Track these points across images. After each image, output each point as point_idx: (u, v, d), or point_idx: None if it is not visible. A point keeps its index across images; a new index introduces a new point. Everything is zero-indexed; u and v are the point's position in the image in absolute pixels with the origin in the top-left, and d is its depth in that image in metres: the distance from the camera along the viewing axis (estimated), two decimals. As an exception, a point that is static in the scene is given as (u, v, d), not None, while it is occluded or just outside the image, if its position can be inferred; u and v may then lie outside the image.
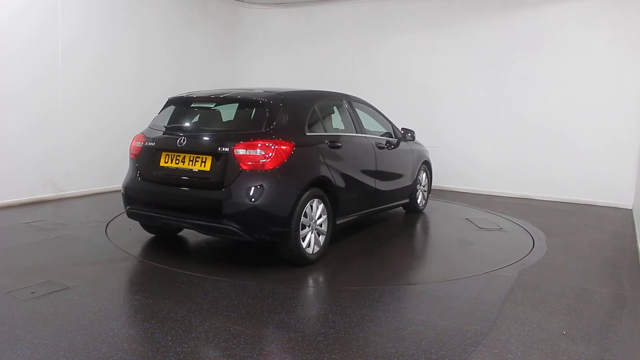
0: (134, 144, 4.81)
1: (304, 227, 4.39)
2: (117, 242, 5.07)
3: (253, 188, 4.11)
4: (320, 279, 4.30)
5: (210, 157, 4.25)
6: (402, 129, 6.38)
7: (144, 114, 6.73)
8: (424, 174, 6.91)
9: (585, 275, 4.53)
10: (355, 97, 6.02)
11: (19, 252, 4.67)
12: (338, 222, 4.91)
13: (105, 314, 3.36)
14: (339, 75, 9.46)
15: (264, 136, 4.23)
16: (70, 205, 6.74)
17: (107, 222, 5.75)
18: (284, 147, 4.23)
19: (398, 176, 6.13)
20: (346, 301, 3.69)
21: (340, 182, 4.84)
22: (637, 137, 7.46)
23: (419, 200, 6.77)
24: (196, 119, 4.86)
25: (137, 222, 5.21)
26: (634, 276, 4.50)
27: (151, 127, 4.90)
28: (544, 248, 5.31)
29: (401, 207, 6.73)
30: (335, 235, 5.44)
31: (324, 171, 4.62)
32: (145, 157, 4.63)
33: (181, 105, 4.93)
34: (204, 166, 4.27)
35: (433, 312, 3.56)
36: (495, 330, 3.26)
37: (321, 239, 4.64)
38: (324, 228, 4.66)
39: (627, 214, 7.23)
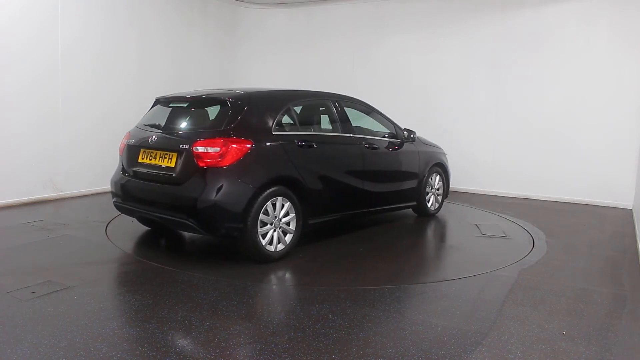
0: (122, 141, 5.11)
1: (265, 224, 4.45)
2: (117, 242, 5.07)
3: (207, 184, 4.25)
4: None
5: (175, 154, 4.45)
6: (404, 129, 6.28)
7: (144, 114, 6.73)
8: (438, 176, 6.69)
9: (585, 275, 4.53)
10: (350, 97, 5.96)
11: (19, 252, 4.67)
12: (311, 222, 4.91)
13: (105, 314, 3.36)
14: (339, 75, 9.45)
15: (223, 134, 4.37)
16: (70, 205, 6.75)
17: (107, 222, 5.76)
18: (239, 146, 4.34)
19: (398, 178, 6.07)
20: (346, 301, 3.69)
21: (312, 182, 4.85)
22: (637, 137, 7.46)
23: (429, 204, 6.58)
24: (171, 117, 5.01)
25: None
26: (634, 276, 4.50)
27: (137, 126, 5.15)
28: (544, 248, 5.31)
29: (411, 210, 6.66)
30: (323, 235, 5.48)
31: (290, 170, 4.65)
32: (128, 154, 4.92)
33: (163, 105, 5.17)
34: (170, 163, 4.48)
35: (433, 312, 3.56)
36: (495, 330, 3.26)
37: (288, 237, 4.67)
38: (292, 227, 4.69)
39: (627, 214, 7.23)
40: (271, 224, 4.51)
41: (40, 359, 2.73)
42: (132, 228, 5.60)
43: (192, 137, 4.48)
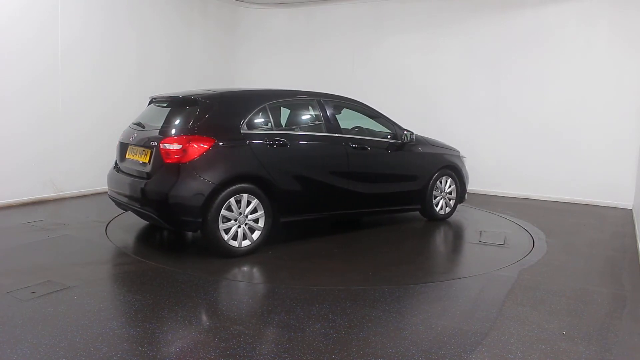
0: (119, 138, 5.44)
1: (228, 220, 4.58)
2: (117, 242, 5.07)
3: (168, 179, 4.48)
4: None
5: (150, 150, 4.70)
6: (404, 130, 6.08)
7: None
8: (449, 179, 6.40)
9: (585, 275, 4.53)
10: (342, 97, 5.83)
11: (19, 252, 4.67)
12: (283, 220, 4.97)
13: (105, 314, 3.36)
14: (339, 75, 9.45)
15: (187, 132, 4.58)
16: (70, 205, 6.74)
17: (107, 222, 5.75)
18: (200, 143, 4.52)
19: (394, 179, 5.96)
20: (346, 301, 3.69)
21: (283, 181, 4.90)
22: (637, 137, 7.46)
23: (438, 208, 6.34)
24: (153, 116, 5.24)
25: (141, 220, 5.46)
26: (634, 276, 4.50)
27: (129, 125, 5.43)
28: (544, 248, 5.31)
29: (419, 214, 6.43)
30: (312, 233, 5.55)
31: (257, 168, 4.74)
32: (119, 150, 5.27)
33: (152, 104, 5.45)
34: (145, 159, 4.75)
35: (433, 312, 3.56)
36: (495, 330, 3.26)
37: (256, 234, 4.75)
38: (261, 224, 4.77)
39: (627, 214, 7.23)
40: (235, 220, 4.62)
41: (40, 359, 2.73)
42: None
43: (162, 134, 4.72)
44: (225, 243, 4.57)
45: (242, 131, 4.77)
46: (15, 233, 5.27)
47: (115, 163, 5.34)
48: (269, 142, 4.87)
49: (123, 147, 5.18)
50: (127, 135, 5.20)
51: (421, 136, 6.32)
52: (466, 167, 6.78)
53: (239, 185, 4.61)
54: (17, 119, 6.44)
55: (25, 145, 6.55)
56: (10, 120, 6.36)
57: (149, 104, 5.50)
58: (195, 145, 4.49)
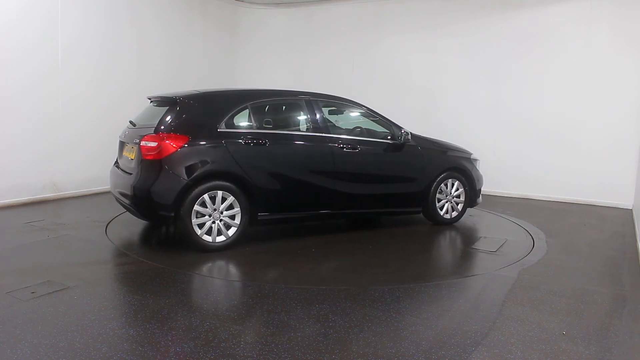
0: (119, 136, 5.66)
1: (202, 215, 4.70)
2: (117, 242, 5.08)
3: (145, 175, 4.68)
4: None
5: (136, 148, 4.88)
6: (402, 131, 5.92)
7: (144, 114, 6.73)
8: (456, 182, 6.15)
9: (585, 275, 4.53)
10: (334, 97, 5.78)
11: (19, 252, 4.67)
12: (261, 217, 5.03)
13: (105, 314, 3.36)
14: (339, 75, 9.46)
15: (164, 130, 4.76)
16: (70, 205, 6.74)
17: (107, 222, 5.75)
18: (173, 141, 4.67)
19: (391, 180, 5.82)
20: (346, 301, 3.69)
21: (260, 178, 4.97)
22: (637, 137, 7.47)
23: (442, 211, 6.10)
24: (146, 115, 5.40)
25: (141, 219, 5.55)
26: (634, 276, 4.50)
27: (127, 124, 5.61)
28: (544, 248, 5.31)
29: (422, 216, 6.22)
30: (305, 231, 5.62)
31: (232, 166, 4.82)
32: (119, 148, 5.51)
33: (149, 104, 5.60)
34: (132, 155, 4.95)
35: (433, 312, 3.56)
36: (495, 330, 3.26)
37: (232, 230, 4.85)
38: (238, 220, 4.87)
39: (627, 214, 7.23)
40: (210, 216, 4.72)
41: (40, 359, 2.73)
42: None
43: (144, 133, 4.87)
44: (198, 237, 4.68)
45: (219, 130, 4.88)
46: (15, 233, 5.27)
47: (116, 160, 5.56)
48: (247, 141, 4.95)
49: (121, 145, 5.41)
50: (123, 133, 5.45)
51: (424, 137, 6.13)
52: (479, 170, 6.50)
53: (213, 183, 4.72)
54: (18, 119, 6.44)
55: (25, 145, 6.55)
56: (10, 121, 6.36)
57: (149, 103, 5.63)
58: (168, 142, 4.64)
